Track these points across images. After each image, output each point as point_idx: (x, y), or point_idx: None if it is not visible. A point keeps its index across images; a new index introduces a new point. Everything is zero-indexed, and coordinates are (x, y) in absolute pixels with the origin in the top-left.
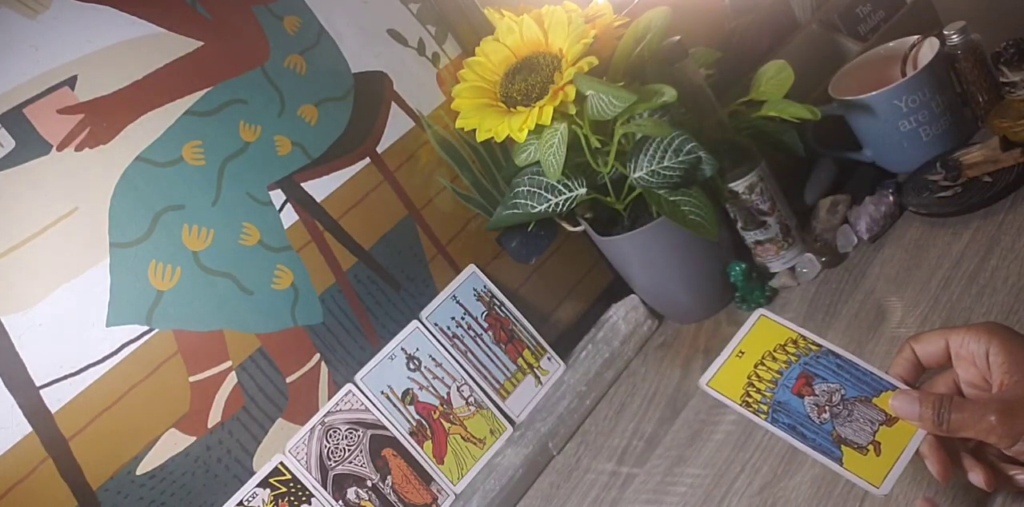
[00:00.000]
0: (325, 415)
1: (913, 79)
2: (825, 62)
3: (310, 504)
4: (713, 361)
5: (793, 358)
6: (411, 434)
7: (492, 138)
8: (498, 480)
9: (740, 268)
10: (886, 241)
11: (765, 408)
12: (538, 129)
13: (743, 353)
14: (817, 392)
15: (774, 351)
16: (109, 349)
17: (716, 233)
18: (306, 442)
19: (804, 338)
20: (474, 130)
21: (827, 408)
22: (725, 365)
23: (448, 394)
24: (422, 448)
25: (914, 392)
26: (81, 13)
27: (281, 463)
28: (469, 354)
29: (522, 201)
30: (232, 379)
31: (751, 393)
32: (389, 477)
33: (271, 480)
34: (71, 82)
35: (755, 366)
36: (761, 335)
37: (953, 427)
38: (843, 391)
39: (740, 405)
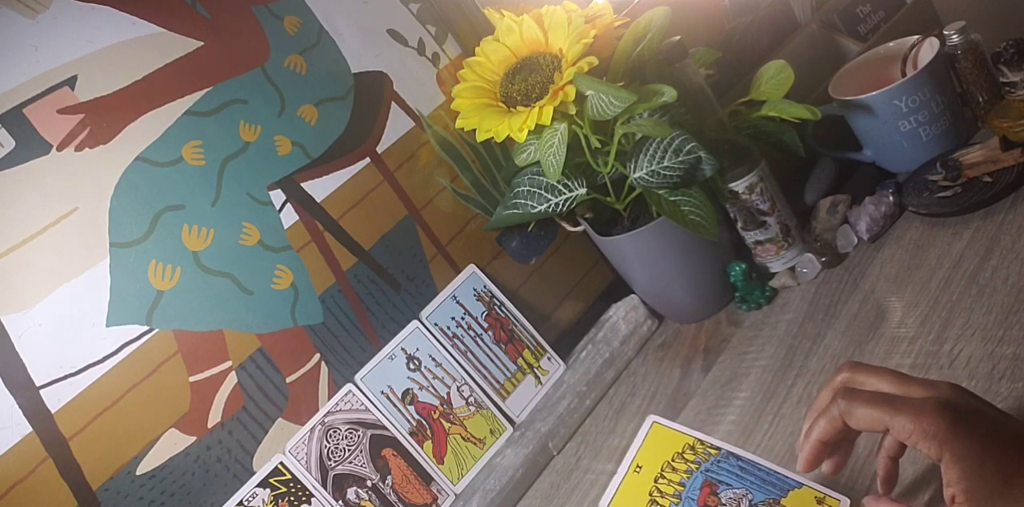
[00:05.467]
0: (325, 415)
1: (913, 79)
2: (825, 62)
3: (310, 504)
4: (614, 475)
5: (694, 466)
6: (411, 434)
7: (492, 138)
8: (498, 480)
9: (740, 268)
10: (886, 241)
11: None
12: (538, 129)
13: (640, 467)
14: (724, 500)
15: (672, 460)
16: (109, 349)
17: (717, 233)
18: (306, 442)
19: (701, 442)
20: (474, 130)
21: None
22: (624, 483)
23: (448, 394)
24: (422, 448)
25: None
26: (81, 13)
27: (281, 463)
28: (469, 354)
29: (522, 201)
30: (232, 379)
31: None
32: (389, 477)
33: (271, 480)
34: (71, 82)
35: (655, 480)
36: (656, 444)
37: None
38: (750, 496)
39: None
